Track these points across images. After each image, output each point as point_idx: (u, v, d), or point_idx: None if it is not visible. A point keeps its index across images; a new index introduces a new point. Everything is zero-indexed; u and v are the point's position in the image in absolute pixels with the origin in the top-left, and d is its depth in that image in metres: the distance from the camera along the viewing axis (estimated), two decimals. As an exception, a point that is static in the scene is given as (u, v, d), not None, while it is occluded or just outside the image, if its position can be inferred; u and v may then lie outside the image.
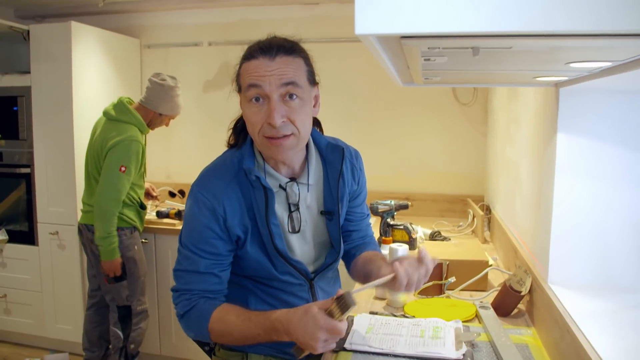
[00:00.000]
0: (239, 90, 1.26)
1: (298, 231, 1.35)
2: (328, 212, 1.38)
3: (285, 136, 1.20)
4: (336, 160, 1.37)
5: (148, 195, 3.20)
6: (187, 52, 3.71)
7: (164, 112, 2.85)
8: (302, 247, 1.37)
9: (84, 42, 3.24)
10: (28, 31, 3.20)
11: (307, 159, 1.35)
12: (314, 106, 1.29)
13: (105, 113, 2.79)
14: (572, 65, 0.93)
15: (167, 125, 2.97)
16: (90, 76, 3.30)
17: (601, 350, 1.10)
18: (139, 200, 2.86)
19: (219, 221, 1.26)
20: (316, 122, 1.41)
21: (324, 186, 1.38)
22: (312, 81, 1.27)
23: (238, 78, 1.26)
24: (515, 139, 2.20)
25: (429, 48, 0.75)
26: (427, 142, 3.39)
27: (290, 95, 1.19)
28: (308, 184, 1.35)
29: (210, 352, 1.50)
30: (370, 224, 1.60)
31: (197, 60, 3.69)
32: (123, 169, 2.65)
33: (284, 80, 1.17)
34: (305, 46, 1.29)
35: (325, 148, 1.38)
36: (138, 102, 2.84)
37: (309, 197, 1.35)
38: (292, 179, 1.33)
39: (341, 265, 1.52)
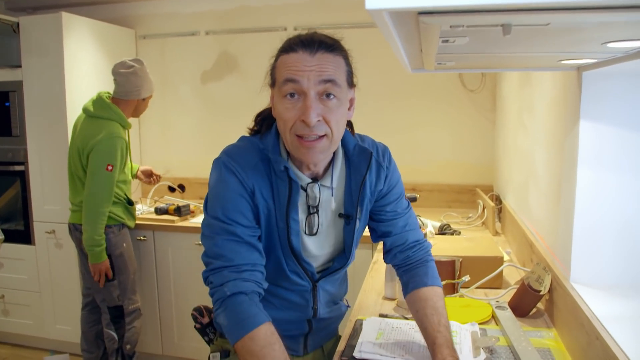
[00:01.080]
0: (273, 84, 1.18)
1: (315, 234, 1.27)
2: (347, 216, 1.29)
3: (318, 138, 1.12)
4: (362, 165, 1.28)
5: (150, 176, 3.10)
6: (184, 42, 3.59)
7: (146, 95, 2.77)
8: (315, 249, 1.29)
9: (76, 34, 3.12)
10: (18, 23, 3.08)
11: (332, 160, 1.26)
12: (349, 109, 1.21)
13: (85, 110, 2.68)
14: (609, 45, 0.82)
15: (147, 106, 2.87)
16: (84, 69, 3.19)
17: (634, 358, 1.00)
18: (125, 197, 2.76)
19: (248, 192, 1.18)
20: (348, 123, 1.31)
21: (345, 189, 1.29)
22: (350, 82, 1.19)
23: (273, 71, 1.18)
24: (528, 127, 2.09)
25: (450, 26, 0.64)
26: (433, 131, 3.28)
27: (328, 94, 1.12)
28: (332, 187, 1.26)
29: (209, 342, 1.44)
30: (410, 224, 1.39)
31: (195, 50, 3.58)
32: (110, 167, 2.56)
33: (324, 77, 1.10)
34: None
35: (352, 150, 1.29)
36: (116, 97, 2.71)
37: (332, 200, 1.27)
38: (314, 180, 1.24)
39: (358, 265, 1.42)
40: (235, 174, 1.17)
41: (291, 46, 1.12)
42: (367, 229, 1.41)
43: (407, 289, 1.34)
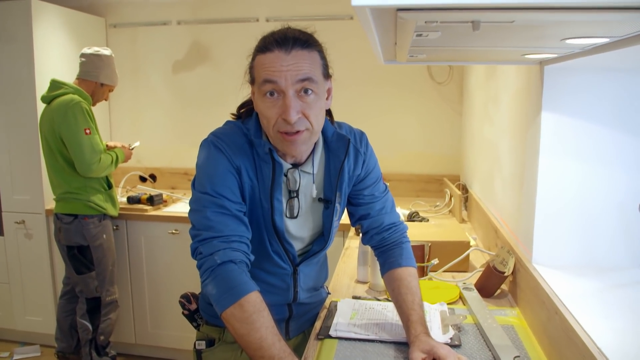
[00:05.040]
0: (252, 82, 1.22)
1: (295, 217, 1.32)
2: (326, 200, 1.34)
3: (299, 132, 1.17)
4: (340, 151, 1.33)
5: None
6: (156, 32, 3.58)
7: (105, 82, 2.78)
8: (296, 231, 1.34)
9: (46, 22, 3.09)
10: (-15, 10, 3.03)
11: (313, 147, 1.32)
12: (327, 99, 1.26)
13: (42, 98, 2.72)
14: (567, 41, 0.89)
15: (106, 99, 2.89)
16: (54, 57, 3.16)
17: (590, 330, 1.09)
18: (105, 180, 2.78)
19: (235, 169, 1.23)
20: (327, 111, 1.36)
21: (324, 174, 1.35)
22: (326, 75, 1.24)
23: (251, 70, 1.22)
24: (494, 118, 2.18)
25: (425, 22, 0.70)
26: (402, 122, 3.36)
27: (306, 91, 1.16)
28: (313, 174, 1.31)
29: (197, 328, 1.48)
30: (387, 207, 1.44)
31: (166, 40, 3.57)
32: (88, 131, 2.59)
33: (300, 76, 1.14)
34: (278, 25, 1.23)
35: (331, 137, 1.34)
36: (76, 78, 2.76)
37: (312, 186, 1.32)
38: (295, 166, 1.29)
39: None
40: (223, 152, 1.22)
41: (266, 46, 1.15)
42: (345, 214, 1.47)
43: (383, 269, 1.41)
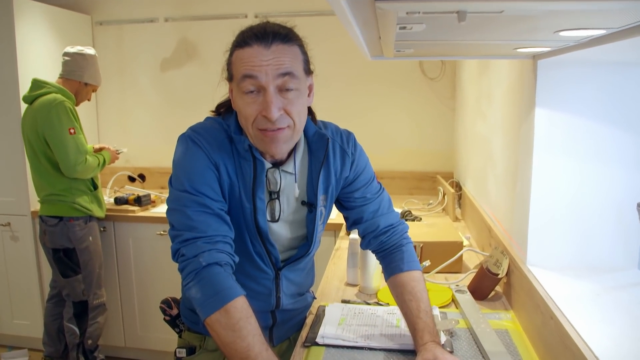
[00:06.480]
0: (230, 78, 1.17)
1: (277, 220, 1.26)
2: (309, 204, 1.28)
3: (280, 129, 1.12)
4: (320, 151, 1.27)
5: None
6: (143, 29, 3.51)
7: (89, 81, 2.72)
8: (278, 235, 1.28)
9: (29, 19, 3.02)
10: (-35, 8, 2.96)
11: (294, 147, 1.26)
12: (308, 96, 1.21)
13: (24, 98, 2.65)
14: (561, 33, 0.84)
15: (89, 99, 2.82)
16: (38, 56, 3.09)
17: (586, 336, 1.04)
18: (90, 181, 2.72)
19: (213, 167, 1.17)
20: (308, 109, 1.29)
21: (307, 176, 1.29)
22: (308, 70, 1.19)
23: (229, 66, 1.16)
24: (486, 114, 2.13)
25: (407, 13, 0.64)
26: (394, 119, 3.32)
27: (287, 87, 1.11)
28: (295, 174, 1.26)
29: (180, 334, 1.43)
30: (382, 208, 1.38)
31: (153, 37, 3.51)
32: (72, 131, 2.53)
33: (281, 71, 1.09)
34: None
35: (312, 136, 1.29)
36: (59, 77, 2.69)
37: (294, 186, 1.26)
38: (275, 166, 1.23)
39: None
40: (201, 147, 1.16)
41: (245, 40, 1.11)
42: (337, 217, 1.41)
43: (386, 275, 1.35)
